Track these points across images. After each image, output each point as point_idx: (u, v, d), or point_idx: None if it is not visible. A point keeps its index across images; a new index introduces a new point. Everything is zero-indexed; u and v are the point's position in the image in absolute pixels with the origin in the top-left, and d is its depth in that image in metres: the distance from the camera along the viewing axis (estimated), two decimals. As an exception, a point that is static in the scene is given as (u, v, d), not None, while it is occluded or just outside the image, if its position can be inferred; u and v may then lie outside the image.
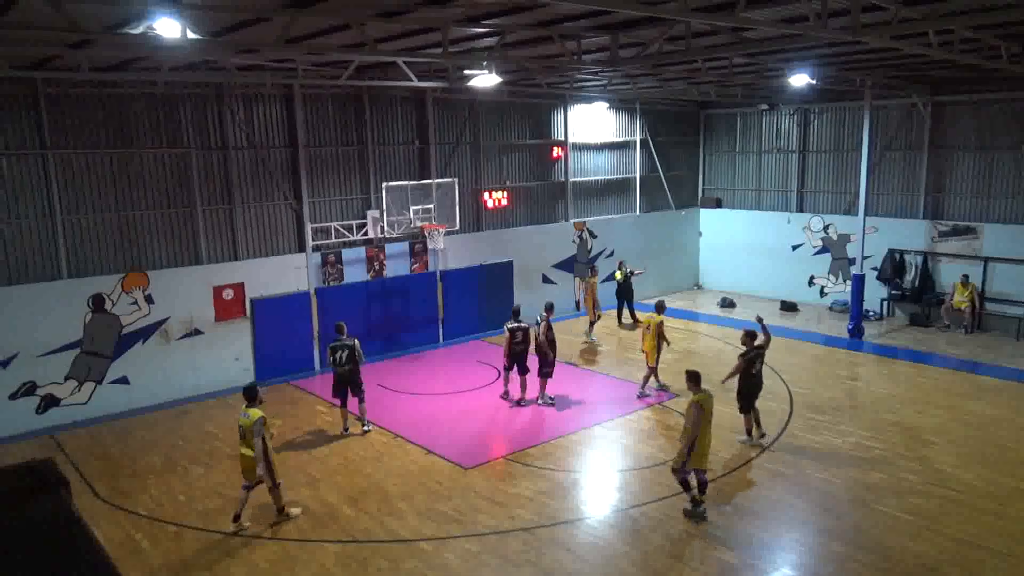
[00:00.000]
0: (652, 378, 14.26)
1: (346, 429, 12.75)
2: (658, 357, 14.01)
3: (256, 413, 9.32)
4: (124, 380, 14.13)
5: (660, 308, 14.44)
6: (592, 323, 18.52)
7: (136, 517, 9.95)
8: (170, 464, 11.71)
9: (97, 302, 13.78)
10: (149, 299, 14.33)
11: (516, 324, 13.79)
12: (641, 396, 14.03)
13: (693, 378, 9.73)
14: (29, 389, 13.23)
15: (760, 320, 12.04)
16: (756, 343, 11.70)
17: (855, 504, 9.89)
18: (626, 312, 20.08)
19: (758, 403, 11.93)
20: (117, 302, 13.97)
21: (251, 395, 9.55)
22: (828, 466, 11.03)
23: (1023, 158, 18.00)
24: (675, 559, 8.62)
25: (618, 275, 20.07)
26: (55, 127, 13.25)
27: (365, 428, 12.75)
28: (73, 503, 2.93)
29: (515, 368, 13.86)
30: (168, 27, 8.31)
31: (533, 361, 13.90)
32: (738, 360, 11.73)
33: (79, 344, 13.64)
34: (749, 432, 11.96)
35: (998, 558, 8.53)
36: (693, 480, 9.57)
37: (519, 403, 13.89)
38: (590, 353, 17.42)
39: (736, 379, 11.73)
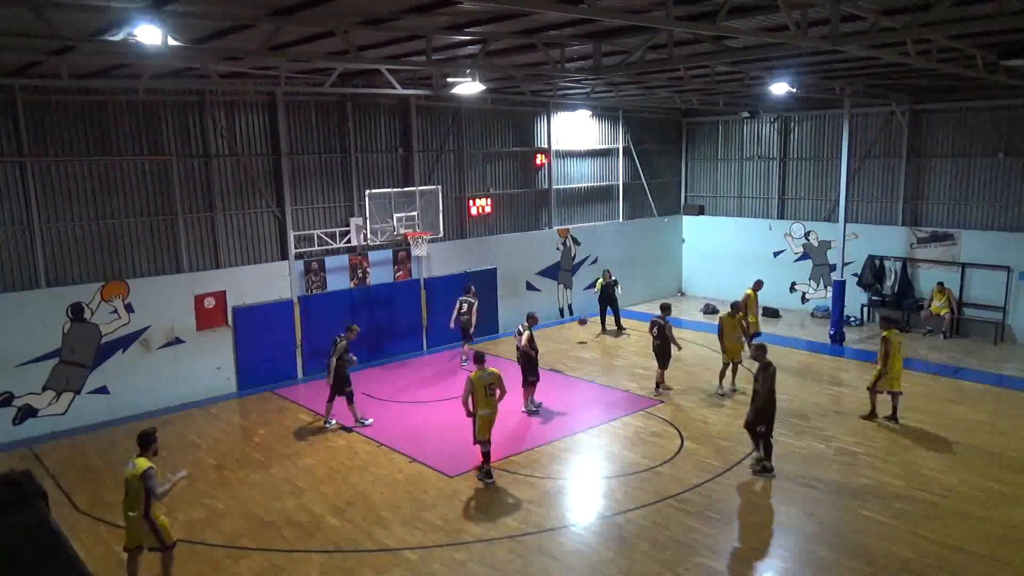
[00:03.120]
0: (730, 374, 14.87)
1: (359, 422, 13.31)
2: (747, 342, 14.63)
3: (143, 463, 7.94)
4: (104, 390, 13.94)
5: (735, 308, 14.99)
6: (751, 338, 16.76)
7: (117, 529, 9.78)
8: (151, 475, 11.54)
9: (76, 311, 13.61)
10: (129, 308, 14.17)
11: (464, 297, 16.55)
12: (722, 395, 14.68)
13: (477, 358, 11.10)
14: (6, 400, 13.02)
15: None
16: (666, 315, 14.82)
17: (840, 509, 9.95)
18: (610, 319, 20.14)
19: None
20: (96, 311, 13.80)
21: (144, 442, 8.13)
22: (813, 471, 11.09)
23: (1000, 163, 18.28)
24: (661, 566, 8.61)
25: (599, 283, 20.10)
26: (34, 134, 13.10)
27: (329, 424, 13.36)
28: (51, 515, 2.87)
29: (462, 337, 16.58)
30: (149, 34, 8.24)
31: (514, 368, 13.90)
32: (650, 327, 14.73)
33: (57, 354, 13.46)
34: (659, 384, 14.84)
35: (982, 562, 8.59)
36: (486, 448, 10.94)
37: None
38: (575, 360, 17.42)
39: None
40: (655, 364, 14.96)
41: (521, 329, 13.93)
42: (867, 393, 13.30)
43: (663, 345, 14.67)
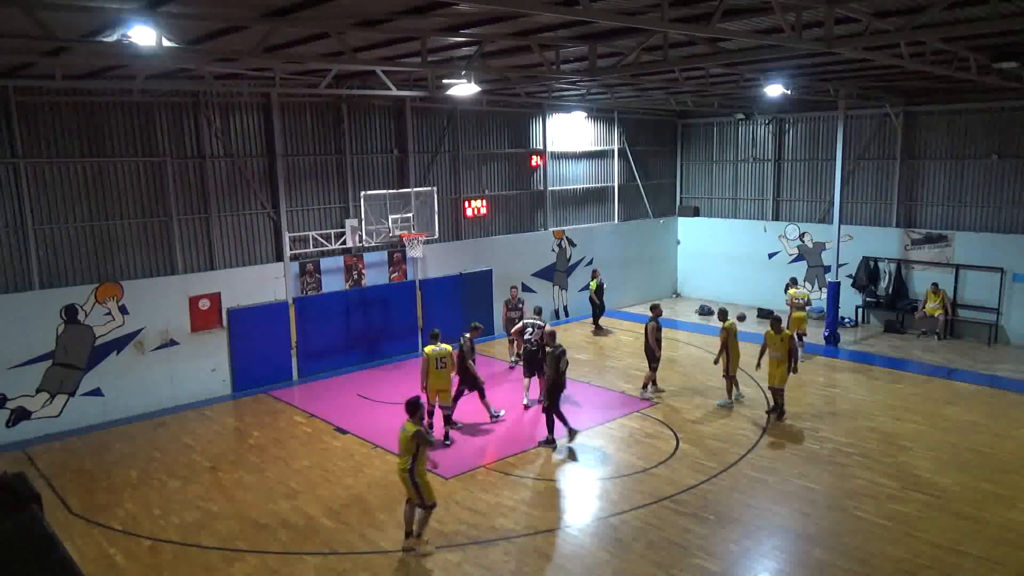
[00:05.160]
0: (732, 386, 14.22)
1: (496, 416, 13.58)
2: (727, 364, 14.02)
3: (412, 427, 8.78)
4: (98, 392, 13.89)
5: (723, 315, 14.51)
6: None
7: (111, 532, 9.77)
8: (146, 477, 11.52)
9: (70, 313, 13.56)
10: (123, 309, 14.12)
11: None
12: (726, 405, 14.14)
13: (432, 336, 12.66)
14: (-1, 402, 12.98)
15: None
16: (655, 315, 14.55)
17: (834, 510, 9.97)
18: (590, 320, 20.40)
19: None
20: (90, 313, 13.76)
21: (411, 409, 9.00)
22: (807, 472, 11.11)
23: (993, 165, 18.36)
24: (656, 567, 8.62)
25: (593, 284, 20.19)
26: (27, 136, 13.04)
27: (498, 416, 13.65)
28: (45, 518, 2.86)
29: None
30: (143, 35, 8.23)
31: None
32: (651, 326, 14.30)
33: (51, 356, 13.40)
34: (645, 385, 14.75)
35: (975, 562, 8.62)
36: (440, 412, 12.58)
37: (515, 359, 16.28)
38: (570, 361, 17.37)
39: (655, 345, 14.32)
40: (665, 374, 15.04)
41: (540, 323, 14.21)
42: (771, 394, 13.47)
43: (646, 348, 14.57)
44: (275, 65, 12.59)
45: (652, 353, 14.42)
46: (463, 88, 13.42)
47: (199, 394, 15.03)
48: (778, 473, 11.10)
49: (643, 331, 14.71)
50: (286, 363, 16.31)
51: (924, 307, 19.04)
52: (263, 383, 15.82)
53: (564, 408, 14.16)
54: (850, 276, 20.48)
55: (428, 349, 12.50)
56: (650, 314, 14.67)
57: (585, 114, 21.82)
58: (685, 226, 24.97)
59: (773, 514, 9.92)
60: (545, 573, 8.62)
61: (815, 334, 19.36)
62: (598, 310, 20.49)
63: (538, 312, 14.80)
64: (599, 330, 20.25)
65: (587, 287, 20.90)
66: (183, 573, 8.78)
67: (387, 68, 12.18)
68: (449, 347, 12.57)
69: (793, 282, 18.40)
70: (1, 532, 2.51)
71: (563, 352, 12.24)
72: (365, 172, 17.36)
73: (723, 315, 14.49)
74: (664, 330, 14.69)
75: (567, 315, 21.66)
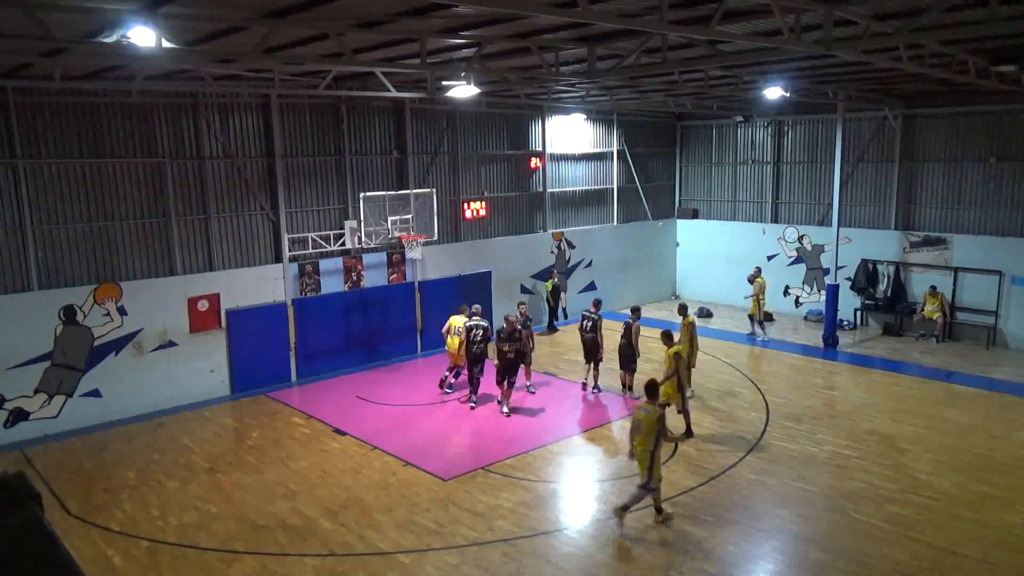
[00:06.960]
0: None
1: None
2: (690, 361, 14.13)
3: (656, 411, 9.48)
4: (96, 393, 13.87)
5: (683, 310, 15.01)
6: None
7: (109, 533, 9.76)
8: (144, 478, 11.51)
9: (68, 314, 13.54)
10: (122, 310, 14.11)
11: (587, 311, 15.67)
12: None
13: (459, 309, 14.86)
14: (-2, 403, 12.96)
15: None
16: (636, 316, 14.85)
17: (833, 512, 9.97)
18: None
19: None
20: (89, 313, 13.75)
21: (651, 392, 9.79)
22: (806, 474, 11.11)
23: (992, 168, 18.39)
24: (655, 569, 8.61)
25: (548, 285, 20.32)
26: (26, 136, 13.04)
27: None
28: (46, 518, 2.86)
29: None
30: (143, 36, 8.23)
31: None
32: (635, 326, 14.53)
33: (49, 356, 13.39)
34: (624, 386, 15.00)
35: (975, 564, 8.62)
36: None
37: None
38: (569, 363, 17.40)
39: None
40: (645, 367, 14.89)
41: (484, 323, 14.31)
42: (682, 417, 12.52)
43: (627, 347, 14.56)
44: (274, 66, 12.59)
45: (635, 354, 14.54)
46: (462, 90, 13.42)
47: (198, 395, 15.02)
48: (776, 475, 11.10)
49: (630, 332, 14.44)
50: (285, 364, 16.30)
51: (922, 310, 19.06)
52: (262, 384, 15.81)
53: (563, 408, 14.24)
54: (849, 279, 20.49)
55: (452, 318, 14.88)
56: (632, 315, 14.72)
57: (584, 116, 21.84)
58: (684, 228, 24.98)
59: (772, 516, 9.92)
60: (544, 575, 8.61)
61: (815, 336, 19.39)
62: (551, 310, 20.67)
63: (478, 312, 14.61)
64: (553, 330, 20.49)
65: (562, 289, 21.16)
66: (181, 574, 8.77)
67: (386, 69, 12.17)
68: (462, 321, 14.44)
69: (758, 271, 19.81)
70: (2, 531, 2.50)
71: (474, 325, 14.08)
72: (364, 173, 17.36)
73: (683, 310, 14.90)
74: (636, 330, 14.68)
75: (566, 316, 21.65)
